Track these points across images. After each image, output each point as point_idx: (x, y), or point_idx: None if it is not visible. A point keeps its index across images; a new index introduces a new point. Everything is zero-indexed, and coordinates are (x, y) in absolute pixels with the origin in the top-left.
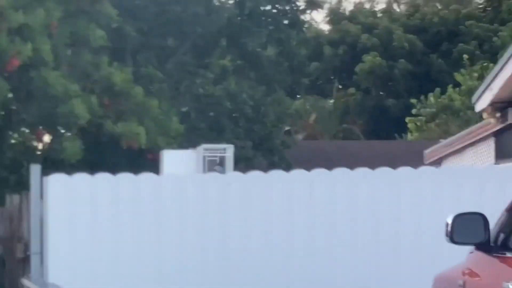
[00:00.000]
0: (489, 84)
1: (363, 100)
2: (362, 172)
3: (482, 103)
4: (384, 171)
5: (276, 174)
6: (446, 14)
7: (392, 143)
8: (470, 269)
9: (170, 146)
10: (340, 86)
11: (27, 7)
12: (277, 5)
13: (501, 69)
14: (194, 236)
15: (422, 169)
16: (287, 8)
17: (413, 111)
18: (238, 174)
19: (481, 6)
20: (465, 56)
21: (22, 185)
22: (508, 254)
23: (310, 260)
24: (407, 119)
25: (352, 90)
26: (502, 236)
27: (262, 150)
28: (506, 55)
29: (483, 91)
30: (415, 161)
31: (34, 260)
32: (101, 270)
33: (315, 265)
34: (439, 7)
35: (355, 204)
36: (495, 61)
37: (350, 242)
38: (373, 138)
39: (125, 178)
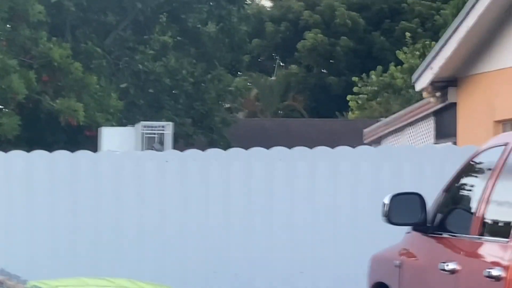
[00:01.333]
0: (429, 63)
1: (304, 78)
2: (299, 150)
3: (422, 82)
4: (322, 150)
5: (213, 152)
6: None
7: (333, 121)
8: (407, 249)
9: (109, 123)
10: (281, 64)
11: None
12: None
13: (442, 48)
14: (131, 212)
15: (361, 148)
16: None
17: (355, 89)
18: (176, 152)
19: None
20: (407, 34)
21: None
22: (445, 235)
23: (247, 238)
24: (348, 97)
25: (293, 67)
26: (439, 216)
27: (202, 128)
28: (446, 33)
29: (424, 70)
30: (356, 139)
31: None
32: (39, 248)
33: (253, 243)
34: None
35: (292, 182)
36: (437, 40)
37: (287, 221)
38: (315, 115)
39: (61, 155)
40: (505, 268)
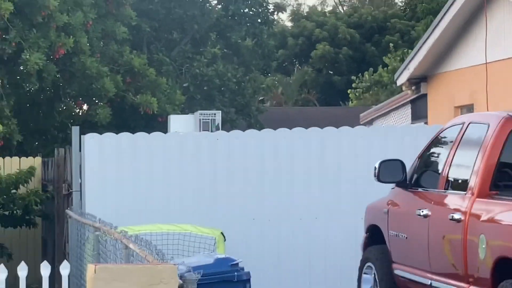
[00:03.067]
0: (406, 65)
1: (316, 77)
2: (313, 129)
3: (402, 79)
4: (329, 129)
5: (250, 132)
6: (377, 13)
7: (338, 108)
8: (392, 200)
9: (175, 112)
10: (299, 67)
11: (70, 10)
12: (253, 8)
13: (415, 54)
14: (192, 177)
15: (358, 127)
16: (260, 10)
17: (353, 85)
18: (223, 132)
19: (402, 8)
20: (391, 45)
21: (67, 142)
22: (420, 190)
23: (277, 192)
24: (348, 91)
25: (308, 70)
26: (415, 176)
27: (242, 115)
28: (419, 43)
29: (402, 70)
30: (355, 122)
31: (75, 196)
32: (124, 204)
33: (281, 194)
34: (372, 9)
35: (308, 154)
36: (412, 48)
37: (304, 179)
38: (324, 105)
39: (141, 135)
40: (464, 213)
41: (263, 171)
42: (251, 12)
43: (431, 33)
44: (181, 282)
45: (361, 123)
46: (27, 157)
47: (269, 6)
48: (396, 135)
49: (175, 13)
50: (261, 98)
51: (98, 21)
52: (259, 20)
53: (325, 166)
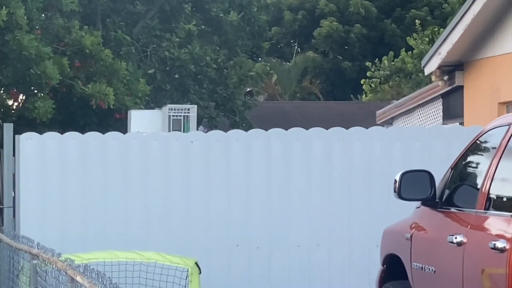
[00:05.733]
0: (437, 49)
1: (321, 63)
2: (315, 130)
3: (431, 66)
4: (337, 130)
5: (235, 133)
6: None
7: (347, 103)
8: (417, 223)
9: (137, 106)
10: (299, 50)
11: None
12: None
13: (449, 34)
14: (158, 193)
15: (373, 128)
16: None
17: (368, 73)
18: (200, 133)
19: None
20: (417, 22)
21: None
22: (452, 209)
23: (267, 214)
24: (362, 81)
25: (310, 53)
26: (447, 192)
27: (224, 111)
28: (454, 21)
29: (432, 55)
30: (369, 121)
31: (6, 214)
32: (71, 225)
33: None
34: None
35: (309, 160)
36: (444, 27)
37: (302, 194)
38: (330, 98)
39: (92, 136)
40: (509, 240)
41: (249, 183)
42: None
43: (469, 7)
44: None
45: (378, 122)
46: None
47: None
48: (423, 139)
49: None
50: (249, 89)
51: None
52: None
53: (331, 177)
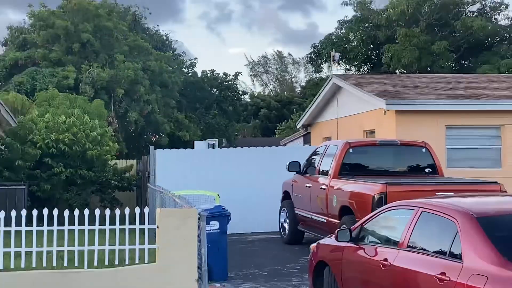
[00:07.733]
0: (303, 117)
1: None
2: (254, 148)
3: (300, 124)
4: (260, 148)
5: (242, 149)
6: (282, 96)
7: (273, 138)
8: (295, 179)
9: (197, 138)
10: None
11: None
12: None
13: (305, 113)
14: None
15: (274, 147)
16: None
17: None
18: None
19: (300, 91)
20: (295, 111)
21: (147, 152)
22: (307, 175)
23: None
24: (276, 130)
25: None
26: (304, 168)
27: (221, 136)
28: (307, 109)
29: (301, 119)
30: (277, 144)
31: (151, 178)
32: (174, 182)
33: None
34: (279, 92)
35: (253, 160)
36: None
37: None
38: (264, 136)
39: (181, 150)
40: (327, 185)
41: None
42: None
43: (312, 103)
44: (198, 216)
45: (281, 144)
46: (129, 160)
47: None
48: (294, 150)
49: None
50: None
51: None
52: None
53: (263, 168)
